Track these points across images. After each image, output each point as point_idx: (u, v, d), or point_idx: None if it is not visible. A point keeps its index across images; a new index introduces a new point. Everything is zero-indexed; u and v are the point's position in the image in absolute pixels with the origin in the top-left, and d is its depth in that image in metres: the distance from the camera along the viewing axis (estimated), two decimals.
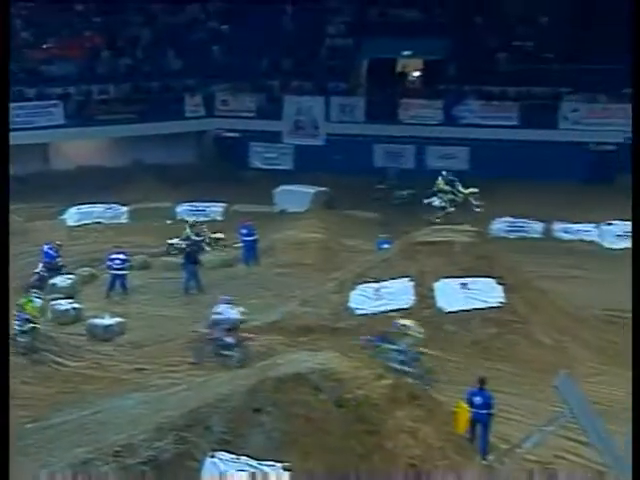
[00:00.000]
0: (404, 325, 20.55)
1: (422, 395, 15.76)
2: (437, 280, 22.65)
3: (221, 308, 22.06)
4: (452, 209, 30.72)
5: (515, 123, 41.24)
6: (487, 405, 16.79)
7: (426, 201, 31.16)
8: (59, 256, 28.78)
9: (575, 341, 21.77)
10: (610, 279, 28.06)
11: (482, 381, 17.12)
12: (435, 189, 31.16)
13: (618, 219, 31.11)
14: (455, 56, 43.53)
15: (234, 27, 46.69)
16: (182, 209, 36.62)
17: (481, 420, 16.65)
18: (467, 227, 24.59)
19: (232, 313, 21.96)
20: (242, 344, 21.49)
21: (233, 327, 21.64)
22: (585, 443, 15.85)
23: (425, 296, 22.56)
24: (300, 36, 45.88)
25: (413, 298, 22.57)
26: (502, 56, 43.16)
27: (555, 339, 22.00)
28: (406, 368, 19.48)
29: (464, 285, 22.50)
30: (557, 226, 33.22)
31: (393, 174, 40.05)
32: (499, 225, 33.38)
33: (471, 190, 31.12)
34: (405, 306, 22.47)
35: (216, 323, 21.78)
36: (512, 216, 33.76)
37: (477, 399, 16.83)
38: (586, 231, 32.55)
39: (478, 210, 30.61)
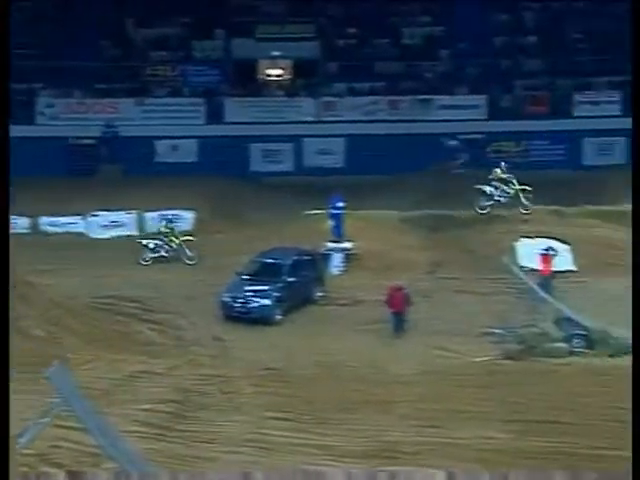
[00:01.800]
0: None
1: None
2: None
3: None
4: (501, 199, 29.05)
5: None
6: None
7: (478, 186, 29.17)
8: None
9: (67, 331, 22.23)
10: (96, 268, 28.87)
11: None
12: (493, 176, 29.23)
13: (102, 210, 31.98)
14: None
15: None
16: None
17: None
18: None
19: None
20: None
21: None
22: (79, 428, 16.37)
23: None
24: None
25: None
26: None
27: (48, 331, 22.29)
28: None
29: None
30: (43, 220, 33.34)
31: None
32: None
33: (524, 187, 29.33)
34: None
35: None
36: None
37: None
38: (72, 223, 33.00)
39: (527, 210, 29.13)
